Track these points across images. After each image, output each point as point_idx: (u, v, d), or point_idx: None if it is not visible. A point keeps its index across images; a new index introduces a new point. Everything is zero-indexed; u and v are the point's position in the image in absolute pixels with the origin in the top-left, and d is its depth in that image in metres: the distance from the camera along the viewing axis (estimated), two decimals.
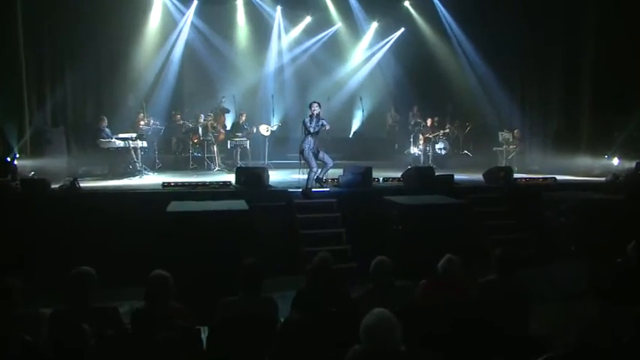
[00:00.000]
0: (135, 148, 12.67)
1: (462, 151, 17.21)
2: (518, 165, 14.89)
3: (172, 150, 15.14)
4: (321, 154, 9.66)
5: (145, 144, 13.11)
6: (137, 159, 12.69)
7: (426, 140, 15.73)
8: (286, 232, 9.07)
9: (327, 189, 9.85)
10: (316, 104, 9.53)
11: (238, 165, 13.98)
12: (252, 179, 9.70)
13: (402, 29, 18.83)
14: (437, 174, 10.85)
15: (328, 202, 9.52)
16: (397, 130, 18.01)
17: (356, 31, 18.82)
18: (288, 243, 8.91)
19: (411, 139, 16.82)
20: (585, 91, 15.10)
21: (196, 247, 7.33)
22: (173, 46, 16.69)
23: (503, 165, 14.69)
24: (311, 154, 9.51)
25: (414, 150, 16.57)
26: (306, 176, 9.65)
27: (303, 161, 9.74)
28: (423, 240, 8.30)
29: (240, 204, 8.19)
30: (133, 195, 9.31)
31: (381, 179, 10.92)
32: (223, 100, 16.68)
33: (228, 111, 16.66)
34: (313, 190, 9.60)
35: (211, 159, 14.26)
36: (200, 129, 14.48)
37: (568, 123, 15.66)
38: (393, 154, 17.30)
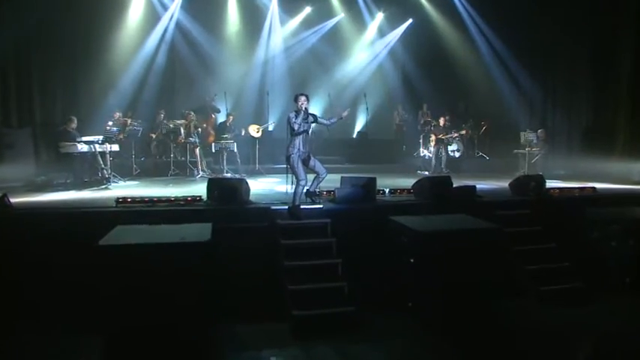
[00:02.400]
0: (103, 153, 10.47)
1: (478, 153, 14.85)
2: (543, 170, 12.54)
3: (152, 154, 12.92)
4: (312, 162, 7.41)
5: (116, 147, 10.93)
6: (106, 165, 10.49)
7: (438, 141, 13.40)
8: (267, 263, 6.83)
9: (320, 205, 7.59)
10: (304, 97, 7.30)
11: (225, 170, 11.84)
12: (226, 193, 7.47)
13: (410, 20, 16.50)
14: (455, 185, 8.53)
15: (321, 223, 7.26)
16: (405, 131, 15.70)
17: (360, 23, 16.50)
18: (270, 278, 6.67)
19: (421, 141, 14.53)
20: (620, 86, 12.73)
21: (136, 297, 5.18)
22: (161, 39, 14.57)
23: (525, 169, 12.48)
24: (299, 162, 7.25)
25: (424, 152, 14.27)
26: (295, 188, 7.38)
27: (290, 171, 7.50)
28: (443, 278, 6.08)
29: (202, 230, 5.99)
30: (76, 215, 7.09)
31: (387, 191, 8.63)
32: (215, 97, 14.49)
33: (219, 110, 14.47)
34: (302, 207, 7.34)
35: (195, 164, 12.04)
36: (182, 130, 12.26)
37: (598, 122, 13.31)
38: (401, 157, 14.98)
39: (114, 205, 7.37)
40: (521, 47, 14.23)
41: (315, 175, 7.50)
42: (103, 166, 10.40)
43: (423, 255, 6.28)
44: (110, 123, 11.53)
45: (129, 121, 12.82)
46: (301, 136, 7.26)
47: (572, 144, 13.72)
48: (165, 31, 14.61)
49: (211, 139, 13.48)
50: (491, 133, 14.84)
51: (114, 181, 10.49)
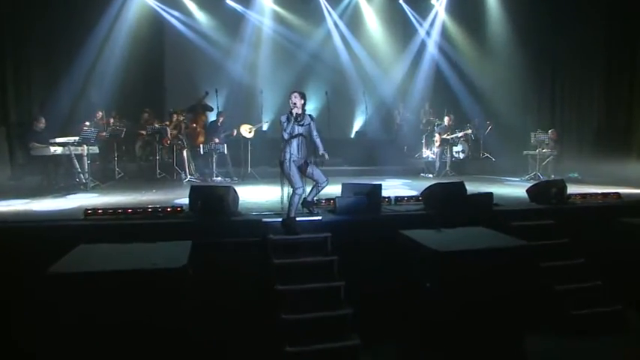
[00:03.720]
0: (80, 156, 9.37)
1: (483, 154, 13.79)
2: (555, 172, 11.57)
3: (137, 156, 11.80)
4: (310, 169, 6.31)
5: (95, 149, 9.83)
6: (83, 169, 9.39)
7: (443, 142, 12.35)
8: (257, 287, 5.75)
9: (319, 217, 6.50)
10: (297, 95, 6.20)
11: (214, 174, 10.76)
12: (211, 204, 6.36)
13: None
14: (469, 192, 7.47)
15: (320, 237, 6.17)
16: (406, 131, 14.62)
17: (357, 18, 15.41)
18: (259, 306, 5.59)
19: (423, 141, 13.47)
20: (636, 82, 11.69)
21: (94, 336, 4.13)
22: (149, 33, 13.49)
23: (537, 172, 11.45)
24: (294, 169, 6.16)
25: (426, 153, 13.22)
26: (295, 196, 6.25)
27: (284, 179, 6.39)
28: (463, 303, 5.03)
29: (179, 250, 4.94)
30: (29, 231, 5.95)
31: (392, 198, 7.55)
32: (206, 95, 13.37)
33: (211, 109, 13.34)
34: (298, 219, 6.25)
35: (182, 167, 10.93)
36: (168, 130, 11.15)
37: (611, 121, 12.26)
38: (402, 159, 13.90)
39: (82, 218, 6.26)
40: (528, 42, 13.17)
41: (314, 183, 6.40)
42: (79, 170, 9.31)
43: (441, 278, 5.21)
44: (87, 123, 10.40)
45: (112, 120, 11.75)
46: (296, 139, 6.17)
47: (583, 144, 12.67)
48: (155, 24, 13.56)
49: (201, 139, 12.39)
50: (496, 133, 13.76)
51: (92, 187, 9.39)
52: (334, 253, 5.99)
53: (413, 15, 15.46)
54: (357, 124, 15.68)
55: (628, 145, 11.70)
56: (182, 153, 10.97)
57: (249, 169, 11.39)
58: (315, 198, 6.63)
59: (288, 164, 6.12)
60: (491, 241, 5.70)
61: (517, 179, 11.62)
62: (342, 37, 15.13)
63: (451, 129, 12.53)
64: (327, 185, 6.42)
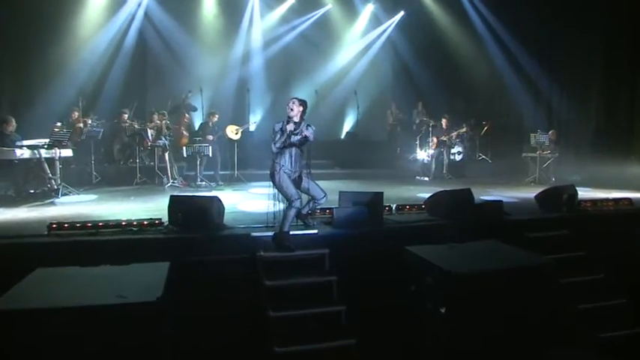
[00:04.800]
0: (51, 159, 8.45)
1: (479, 156, 13.12)
2: (556, 175, 10.95)
3: (116, 159, 10.89)
4: (305, 183, 5.50)
5: (68, 153, 8.92)
6: (54, 174, 8.47)
7: (440, 143, 11.64)
8: (245, 314, 4.95)
9: (314, 231, 5.73)
10: (295, 102, 5.41)
11: (199, 178, 9.91)
12: (192, 216, 5.55)
13: (402, 13, 14.68)
14: (477, 201, 6.76)
15: (316, 254, 5.40)
16: (399, 132, 13.88)
17: (349, 14, 14.62)
18: (248, 338, 4.79)
19: (417, 142, 12.74)
20: (636, 82, 11.16)
21: None
22: (128, 29, 12.58)
23: (537, 175, 10.80)
24: (287, 180, 5.35)
25: (421, 155, 12.50)
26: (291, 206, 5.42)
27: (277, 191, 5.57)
28: (481, 332, 4.32)
29: (154, 274, 4.14)
30: None
31: (393, 208, 6.79)
32: (189, 95, 12.50)
33: (195, 109, 12.49)
34: (292, 233, 5.46)
35: (164, 170, 10.06)
36: (149, 132, 10.28)
37: (611, 122, 11.71)
38: (395, 161, 13.16)
39: (45, 233, 5.40)
40: (526, 40, 12.54)
41: (311, 199, 5.62)
42: (50, 175, 8.38)
43: (456, 303, 4.47)
44: (59, 124, 9.47)
45: (89, 121, 10.83)
46: (288, 150, 5.37)
47: (581, 146, 12.09)
48: (133, 19, 12.63)
49: (184, 141, 11.52)
50: (493, 134, 13.09)
51: (65, 193, 8.48)
52: (333, 273, 5.22)
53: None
54: (348, 124, 14.92)
55: (628, 147, 11.18)
56: (164, 156, 10.09)
57: (235, 172, 10.56)
58: (310, 211, 5.84)
59: (279, 175, 5.32)
60: (510, 258, 4.98)
61: (517, 182, 10.98)
62: (333, 33, 14.32)
63: (448, 130, 11.83)
64: (325, 202, 5.64)
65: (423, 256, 4.96)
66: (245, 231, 5.68)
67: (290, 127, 5.27)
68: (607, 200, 7.89)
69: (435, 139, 11.71)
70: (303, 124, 5.42)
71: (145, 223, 5.65)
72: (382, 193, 6.28)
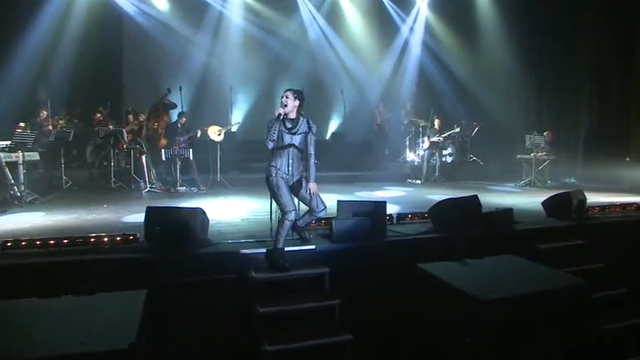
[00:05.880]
0: (13, 164, 7.57)
1: (470, 157, 12.56)
2: (552, 177, 10.46)
3: (88, 162, 9.98)
4: (304, 190, 4.75)
5: (35, 156, 8.04)
6: (18, 180, 7.58)
7: (432, 145, 11.04)
8: (236, 348, 4.22)
9: (312, 246, 5.01)
10: (289, 94, 4.65)
11: (178, 183, 9.11)
12: (173, 231, 4.77)
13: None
14: (484, 209, 6.13)
15: (315, 274, 4.69)
16: (387, 132, 13.23)
17: (337, 8, 13.90)
18: None
19: (407, 143, 12.13)
20: (631, 80, 10.73)
21: None
22: (104, 22, 11.63)
23: (532, 177, 10.29)
24: (283, 187, 4.61)
25: (411, 157, 11.89)
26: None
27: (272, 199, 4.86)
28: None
29: (127, 308, 3.40)
30: None
31: (394, 216, 6.12)
32: (168, 94, 11.62)
33: (174, 106, 11.59)
34: (287, 249, 4.74)
35: (141, 174, 9.22)
36: (125, 133, 9.43)
37: (605, 122, 11.26)
38: (384, 162, 12.48)
39: None
40: (516, 38, 12.02)
41: (310, 210, 4.89)
42: (12, 181, 7.49)
43: (483, 332, 3.82)
44: (22, 124, 8.53)
45: (61, 121, 9.94)
46: (285, 151, 4.63)
47: (575, 148, 11.60)
48: (112, 13, 11.73)
49: (163, 142, 10.67)
50: (483, 135, 12.53)
51: (29, 201, 7.59)
52: (334, 295, 4.51)
53: (394, 9, 14.08)
54: (334, 124, 14.22)
55: (621, 148, 10.75)
56: (141, 159, 9.25)
57: (218, 176, 9.77)
58: (309, 222, 5.12)
59: (274, 180, 4.58)
60: (537, 278, 4.36)
61: (511, 185, 10.45)
62: (320, 31, 13.58)
63: (440, 131, 11.24)
64: (324, 214, 4.92)
65: (439, 276, 4.30)
66: (233, 247, 4.92)
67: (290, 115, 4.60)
68: (615, 206, 7.37)
69: (426, 140, 11.10)
70: (301, 120, 4.68)
71: (118, 239, 4.85)
72: (385, 202, 5.60)
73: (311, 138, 4.67)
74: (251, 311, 4.30)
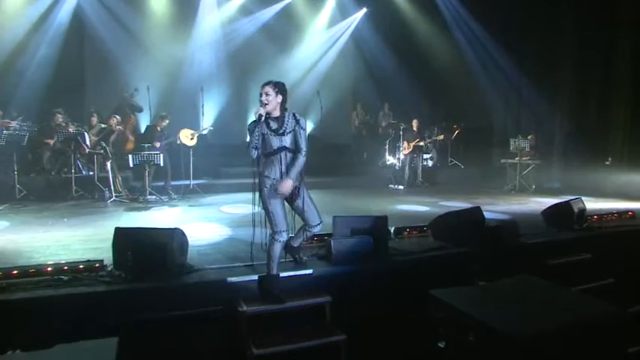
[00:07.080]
0: None
1: (451, 161, 12.14)
2: (536, 182, 10.12)
3: (46, 169, 8.98)
4: (300, 200, 4.05)
5: None
6: None
7: (415, 149, 10.53)
8: None
9: (309, 271, 4.34)
10: (270, 88, 3.83)
11: (147, 192, 8.26)
12: (147, 256, 4.02)
13: (364, 10, 13.41)
14: (489, 222, 5.62)
15: (315, 304, 4.02)
16: (365, 135, 12.68)
17: (313, 6, 13.18)
18: None
19: (387, 147, 11.59)
20: (611, 83, 10.54)
21: None
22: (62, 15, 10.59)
23: (516, 182, 9.92)
24: (277, 205, 3.91)
25: (391, 161, 11.36)
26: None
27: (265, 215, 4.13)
28: None
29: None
30: None
31: (392, 231, 5.51)
32: (135, 93, 10.73)
33: (140, 109, 10.76)
34: (283, 274, 4.05)
35: (105, 182, 8.32)
36: (87, 136, 8.50)
37: (587, 126, 11.05)
38: (362, 167, 11.94)
39: None
40: (496, 40, 11.68)
41: (304, 225, 4.21)
42: None
43: None
44: None
45: (13, 123, 8.89)
46: (277, 156, 3.91)
47: (555, 151, 11.35)
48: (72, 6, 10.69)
49: (130, 146, 9.81)
50: (463, 138, 12.14)
51: None
52: (337, 330, 3.86)
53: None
54: (308, 126, 13.49)
55: (601, 151, 10.56)
56: (106, 165, 8.35)
57: (190, 183, 8.95)
58: (303, 240, 4.45)
59: (267, 193, 3.87)
60: (567, 306, 3.80)
61: (495, 190, 10.07)
62: (294, 27, 12.86)
63: (420, 134, 10.74)
64: (319, 230, 4.23)
65: (457, 305, 3.69)
66: (218, 274, 4.20)
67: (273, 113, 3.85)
68: (611, 214, 7.04)
69: (406, 144, 10.59)
70: (287, 116, 3.90)
71: (81, 267, 4.06)
72: (386, 217, 4.98)
73: (301, 133, 3.90)
74: (242, 352, 3.60)
